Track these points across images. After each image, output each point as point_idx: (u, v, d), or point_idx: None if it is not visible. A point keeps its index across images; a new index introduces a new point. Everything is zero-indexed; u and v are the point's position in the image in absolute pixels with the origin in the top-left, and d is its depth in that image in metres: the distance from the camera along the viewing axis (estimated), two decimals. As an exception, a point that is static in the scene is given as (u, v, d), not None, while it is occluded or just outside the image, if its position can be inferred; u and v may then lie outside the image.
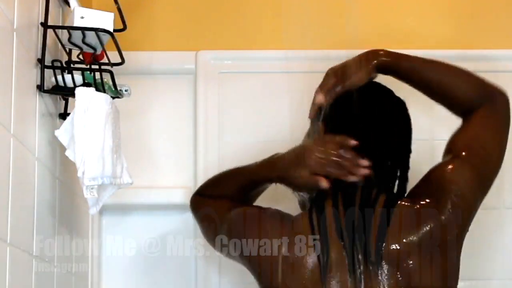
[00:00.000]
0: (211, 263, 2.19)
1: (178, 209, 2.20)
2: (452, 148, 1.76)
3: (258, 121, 2.23)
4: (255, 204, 1.86)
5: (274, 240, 1.68)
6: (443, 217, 1.64)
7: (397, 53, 1.77)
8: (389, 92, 1.78)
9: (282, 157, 1.75)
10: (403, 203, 1.68)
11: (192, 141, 2.25)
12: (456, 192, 1.67)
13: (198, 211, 1.90)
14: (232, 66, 2.28)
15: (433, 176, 1.72)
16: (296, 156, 1.72)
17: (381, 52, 1.76)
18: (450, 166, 1.72)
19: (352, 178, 1.66)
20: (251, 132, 2.23)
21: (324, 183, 1.67)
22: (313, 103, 1.76)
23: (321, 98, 1.74)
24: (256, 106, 2.24)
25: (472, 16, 2.32)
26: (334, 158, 1.67)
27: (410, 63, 1.77)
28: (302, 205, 1.80)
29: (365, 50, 1.75)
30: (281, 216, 1.74)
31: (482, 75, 2.26)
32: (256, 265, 1.71)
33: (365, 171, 1.66)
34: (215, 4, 2.32)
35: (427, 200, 1.67)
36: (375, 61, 1.75)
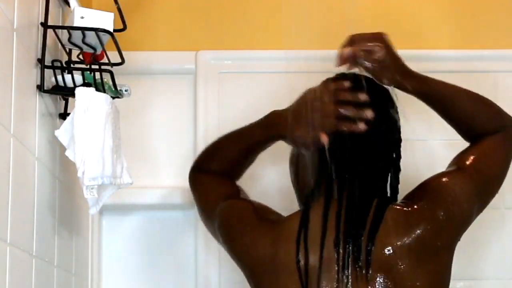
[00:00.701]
0: (211, 263, 2.19)
1: (178, 209, 2.21)
2: (457, 162, 1.76)
3: (258, 121, 2.23)
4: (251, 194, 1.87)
5: (262, 240, 1.68)
6: (434, 222, 1.64)
7: (422, 77, 1.76)
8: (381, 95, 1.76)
9: (281, 116, 1.75)
10: (395, 206, 1.67)
11: (192, 141, 2.25)
12: (453, 200, 1.66)
13: (195, 189, 1.90)
14: (232, 66, 2.28)
15: (431, 183, 1.71)
16: (296, 114, 1.71)
17: (408, 75, 1.74)
18: (450, 176, 1.71)
19: (355, 128, 1.65)
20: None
21: (324, 139, 1.65)
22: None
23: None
24: (256, 106, 2.23)
25: (472, 16, 2.32)
26: (334, 113, 1.66)
27: (435, 86, 1.76)
28: (299, 200, 1.80)
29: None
30: (271, 215, 1.74)
31: (482, 75, 2.27)
32: (244, 264, 1.71)
33: (363, 126, 1.65)
34: (215, 4, 2.32)
35: (420, 204, 1.66)
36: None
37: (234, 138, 1.87)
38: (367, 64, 1.70)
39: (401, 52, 2.25)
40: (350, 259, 1.60)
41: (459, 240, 1.69)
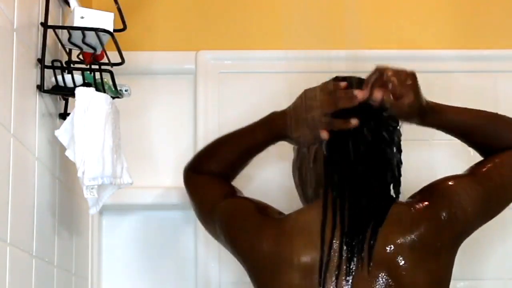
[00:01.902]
0: (211, 263, 2.19)
1: (178, 209, 2.21)
2: (471, 168, 1.75)
3: (258, 121, 2.23)
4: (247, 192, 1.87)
5: (265, 237, 1.68)
6: (435, 223, 1.64)
7: (437, 110, 1.73)
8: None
9: (282, 115, 1.76)
10: (399, 205, 1.68)
11: (192, 141, 2.25)
12: (457, 203, 1.66)
13: (191, 190, 1.89)
14: (232, 66, 2.28)
15: (439, 185, 1.71)
16: (295, 114, 1.73)
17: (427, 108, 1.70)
18: (459, 180, 1.72)
19: (352, 103, 1.65)
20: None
21: (325, 135, 1.68)
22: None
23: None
24: (256, 106, 2.23)
25: (472, 16, 2.32)
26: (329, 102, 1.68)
27: (452, 118, 1.75)
28: (303, 199, 1.80)
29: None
30: (272, 212, 1.75)
31: (482, 75, 2.27)
32: (248, 262, 1.71)
33: (359, 98, 1.65)
34: (215, 4, 2.32)
35: (424, 204, 1.67)
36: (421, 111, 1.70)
37: (233, 140, 1.87)
38: (395, 109, 1.68)
39: (401, 52, 2.27)
40: (352, 255, 1.60)
41: (461, 243, 1.69)
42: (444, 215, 1.65)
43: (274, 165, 2.16)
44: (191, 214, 2.06)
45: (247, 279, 1.76)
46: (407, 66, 2.10)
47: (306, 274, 1.62)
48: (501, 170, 1.74)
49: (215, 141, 1.90)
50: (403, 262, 1.61)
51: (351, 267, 1.60)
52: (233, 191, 1.84)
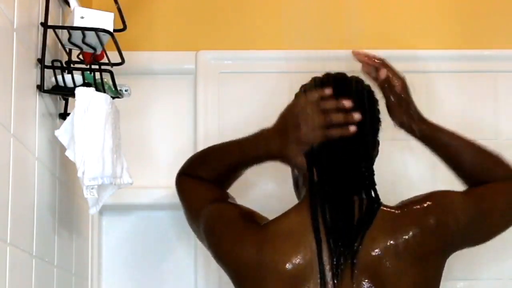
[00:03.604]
0: (210, 263, 2.18)
1: (178, 209, 2.19)
2: (465, 190, 1.77)
3: (258, 121, 2.23)
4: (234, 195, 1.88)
5: (247, 244, 1.67)
6: (425, 227, 1.63)
7: (434, 125, 1.78)
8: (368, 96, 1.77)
9: (270, 135, 1.75)
10: (385, 209, 1.67)
11: (192, 141, 2.25)
12: (450, 211, 1.66)
13: (183, 193, 1.90)
14: (232, 66, 2.28)
15: (435, 194, 1.71)
16: (284, 130, 1.71)
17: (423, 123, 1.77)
18: (456, 193, 1.72)
19: (345, 132, 1.65)
20: (251, 132, 2.22)
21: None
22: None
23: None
24: (256, 106, 2.24)
25: (472, 16, 2.32)
26: (321, 123, 1.66)
27: (442, 135, 1.78)
28: (297, 192, 1.80)
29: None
30: (258, 219, 1.73)
31: (482, 75, 2.27)
32: (229, 268, 1.71)
33: (353, 128, 1.65)
34: (215, 4, 2.32)
35: (412, 209, 1.66)
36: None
37: (223, 152, 1.87)
38: (388, 94, 1.74)
39: (402, 52, 2.27)
40: (338, 260, 1.59)
41: (449, 254, 1.69)
42: (435, 220, 1.64)
43: (274, 169, 2.17)
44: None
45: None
46: (408, 66, 2.11)
47: (289, 281, 1.61)
48: (495, 196, 1.75)
49: (208, 148, 1.92)
50: (388, 267, 1.60)
51: (337, 272, 1.59)
52: (222, 197, 1.84)
